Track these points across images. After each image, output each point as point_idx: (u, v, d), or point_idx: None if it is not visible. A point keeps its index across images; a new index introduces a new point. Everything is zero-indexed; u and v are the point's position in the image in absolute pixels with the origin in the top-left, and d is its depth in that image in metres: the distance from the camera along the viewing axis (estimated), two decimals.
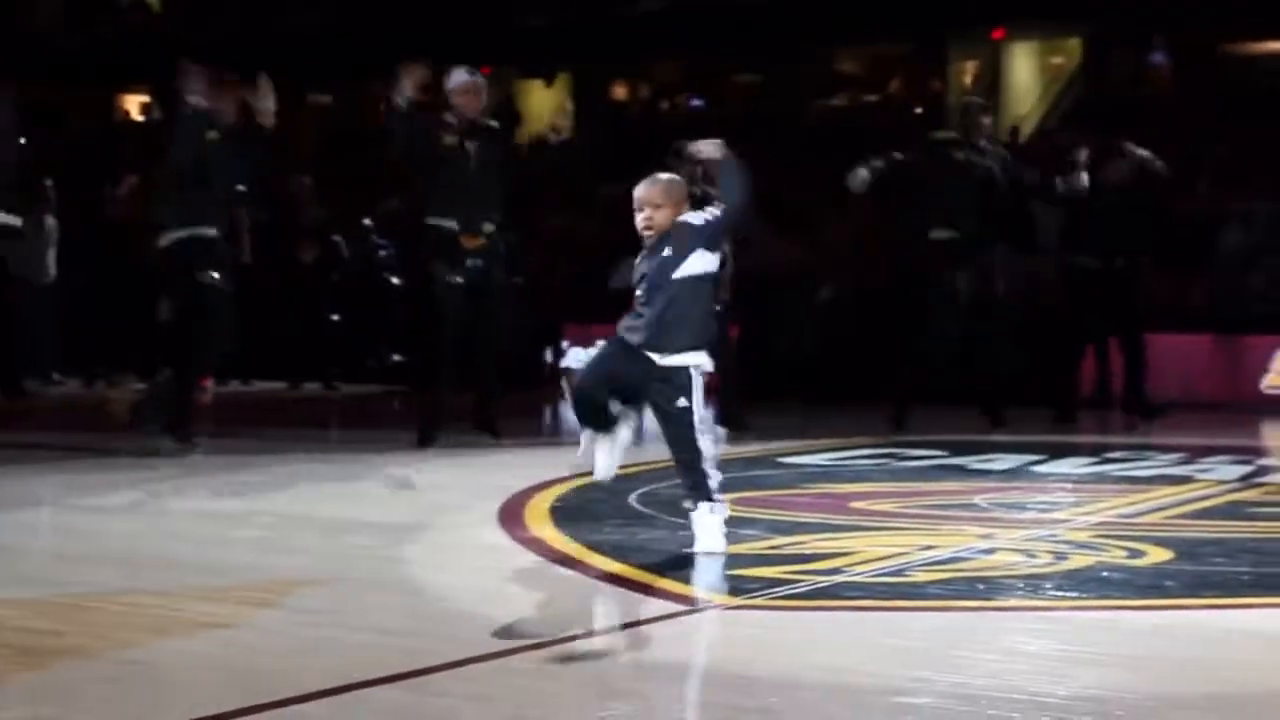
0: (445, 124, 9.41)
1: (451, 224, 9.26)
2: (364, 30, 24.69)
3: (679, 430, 5.31)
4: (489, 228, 9.34)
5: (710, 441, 5.37)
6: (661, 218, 5.36)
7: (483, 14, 24.42)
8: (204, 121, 8.88)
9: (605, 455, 5.41)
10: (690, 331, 5.33)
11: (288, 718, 3.21)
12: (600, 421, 5.37)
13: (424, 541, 5.82)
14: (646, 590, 4.59)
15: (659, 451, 9.36)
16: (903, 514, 6.53)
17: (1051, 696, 3.40)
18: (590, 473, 5.53)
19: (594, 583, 4.81)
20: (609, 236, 14.22)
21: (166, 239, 8.82)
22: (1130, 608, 4.47)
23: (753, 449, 9.17)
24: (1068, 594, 4.63)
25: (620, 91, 28.32)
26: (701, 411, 5.33)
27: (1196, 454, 9.45)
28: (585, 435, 5.44)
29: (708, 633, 4.14)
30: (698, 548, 5.23)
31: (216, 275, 8.73)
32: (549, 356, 18.11)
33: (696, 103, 27.26)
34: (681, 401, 5.28)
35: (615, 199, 8.98)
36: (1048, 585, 4.75)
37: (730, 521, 5.33)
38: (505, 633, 3.98)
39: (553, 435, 11.73)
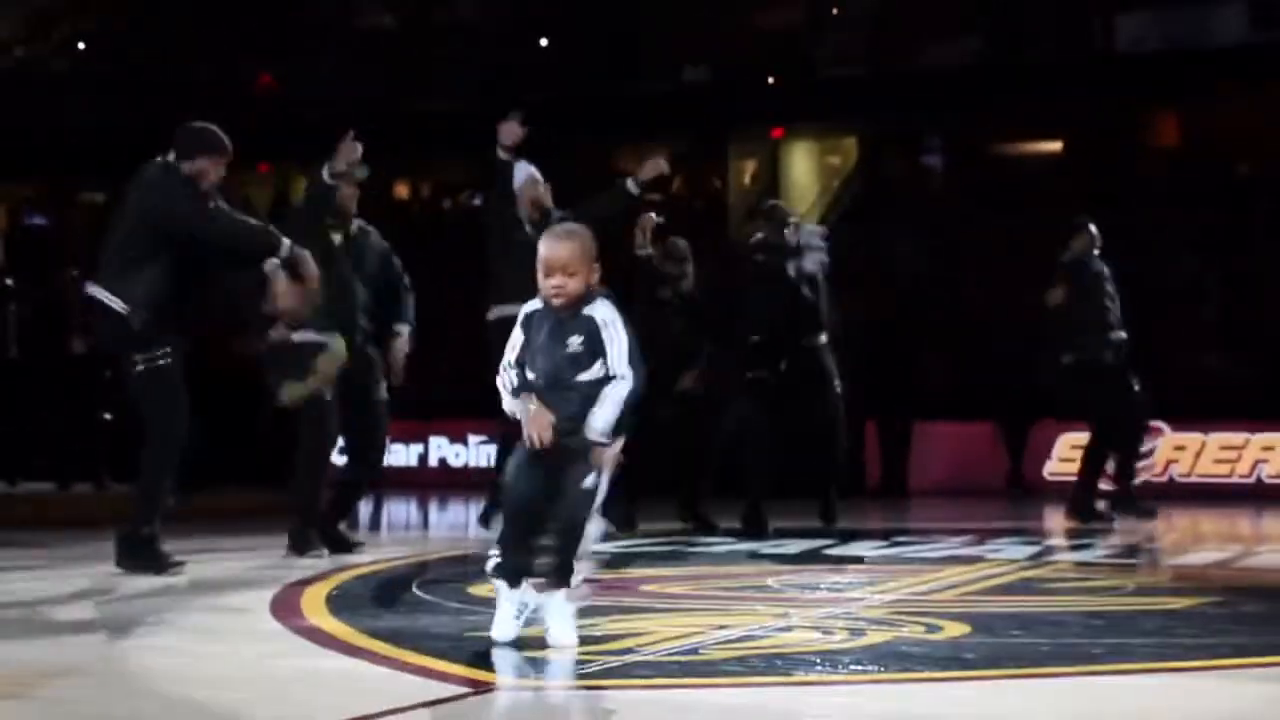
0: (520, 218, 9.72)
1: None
2: (133, 127, 24.15)
3: (573, 508, 4.70)
4: None
5: (597, 531, 4.88)
6: (575, 286, 4.70)
7: (260, 107, 24.13)
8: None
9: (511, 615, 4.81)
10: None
11: None
12: (521, 561, 4.75)
13: (192, 630, 5.49)
14: (427, 673, 4.33)
15: (435, 544, 9.09)
16: (695, 595, 6.37)
17: None
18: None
19: (370, 667, 4.53)
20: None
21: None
22: (930, 679, 4.34)
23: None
24: (867, 668, 4.49)
25: (402, 190, 28.12)
26: (601, 498, 4.76)
27: (984, 536, 9.48)
28: (501, 589, 4.82)
29: (494, 715, 3.90)
30: (550, 640, 4.73)
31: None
32: None
33: (479, 201, 27.16)
34: (588, 482, 4.68)
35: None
36: (846, 660, 4.61)
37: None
38: None
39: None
